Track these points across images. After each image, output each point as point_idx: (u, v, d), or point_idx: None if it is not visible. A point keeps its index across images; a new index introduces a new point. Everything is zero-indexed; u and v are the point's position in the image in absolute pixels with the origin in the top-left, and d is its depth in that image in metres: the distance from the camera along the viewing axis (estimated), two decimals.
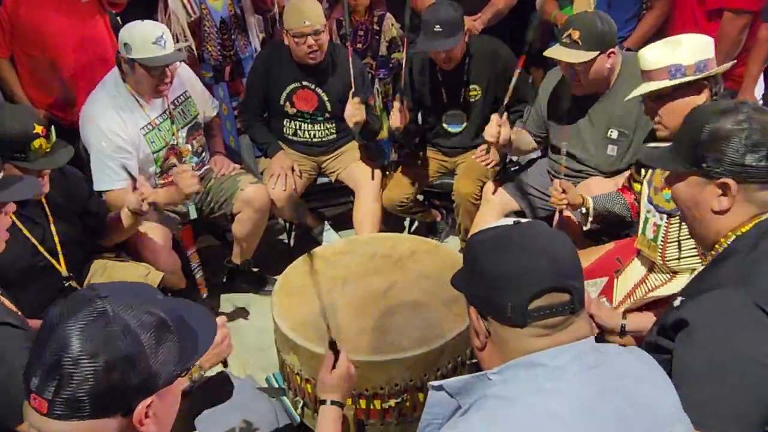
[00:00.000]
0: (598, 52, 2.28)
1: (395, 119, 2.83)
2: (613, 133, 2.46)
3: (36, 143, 1.92)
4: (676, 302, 1.29)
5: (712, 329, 1.15)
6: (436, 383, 1.08)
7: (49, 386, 0.83)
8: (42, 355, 0.85)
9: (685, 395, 1.09)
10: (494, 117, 2.56)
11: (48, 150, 1.97)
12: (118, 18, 3.03)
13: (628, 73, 2.36)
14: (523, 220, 1.10)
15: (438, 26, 2.68)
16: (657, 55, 1.87)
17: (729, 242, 1.27)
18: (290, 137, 3.11)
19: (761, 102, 3.01)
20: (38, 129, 1.93)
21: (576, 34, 2.28)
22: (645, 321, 1.71)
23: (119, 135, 2.48)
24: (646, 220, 1.96)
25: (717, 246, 1.29)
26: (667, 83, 1.84)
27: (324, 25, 2.82)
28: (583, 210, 2.20)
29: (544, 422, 0.93)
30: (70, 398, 0.83)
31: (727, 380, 1.12)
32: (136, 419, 0.87)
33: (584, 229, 2.25)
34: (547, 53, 2.41)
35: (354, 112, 2.82)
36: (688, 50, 1.83)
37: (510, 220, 1.10)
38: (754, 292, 1.15)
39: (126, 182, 2.43)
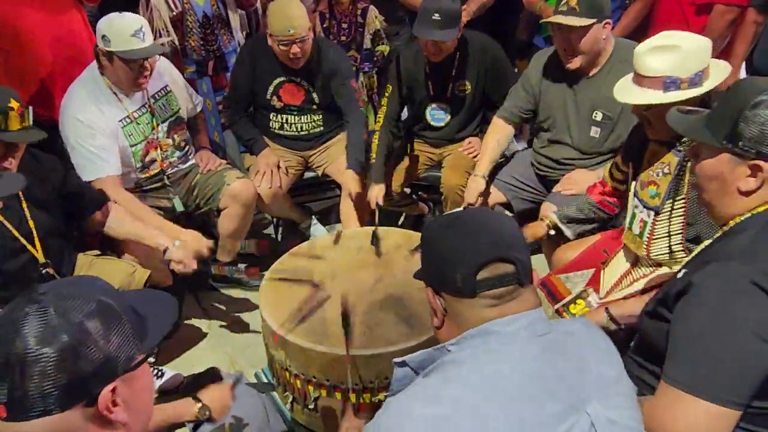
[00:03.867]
0: (594, 20, 2.28)
1: (372, 197, 2.80)
2: (598, 115, 2.46)
3: (10, 116, 1.87)
4: (680, 274, 1.31)
5: (714, 294, 1.18)
6: (399, 359, 1.17)
7: (1, 389, 0.82)
8: None
9: (678, 353, 1.19)
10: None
11: (20, 129, 1.93)
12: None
13: (619, 59, 2.37)
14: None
15: (437, 15, 2.63)
16: (654, 62, 1.77)
17: (743, 218, 1.26)
18: (276, 131, 3.09)
19: None
20: (13, 104, 1.89)
21: (574, 1, 2.29)
22: (628, 307, 1.73)
23: (99, 126, 2.47)
24: (634, 215, 1.94)
25: (731, 222, 1.29)
26: (660, 96, 1.75)
27: (309, 30, 2.78)
28: (552, 232, 2.26)
29: (487, 378, 1.01)
30: (25, 397, 0.82)
31: (720, 344, 1.15)
32: (102, 407, 0.86)
33: (570, 239, 2.28)
34: (546, 20, 2.40)
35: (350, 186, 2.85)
36: (686, 59, 1.73)
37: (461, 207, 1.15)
38: (755, 270, 1.16)
39: (112, 170, 2.43)
